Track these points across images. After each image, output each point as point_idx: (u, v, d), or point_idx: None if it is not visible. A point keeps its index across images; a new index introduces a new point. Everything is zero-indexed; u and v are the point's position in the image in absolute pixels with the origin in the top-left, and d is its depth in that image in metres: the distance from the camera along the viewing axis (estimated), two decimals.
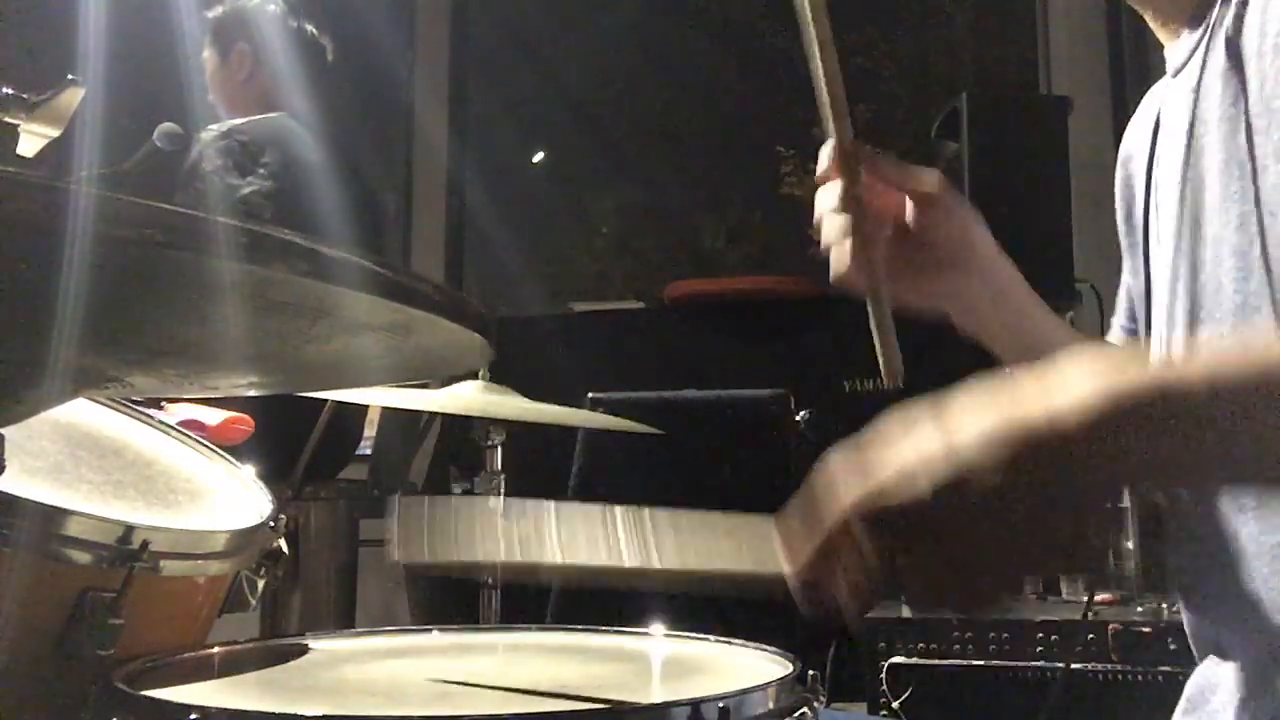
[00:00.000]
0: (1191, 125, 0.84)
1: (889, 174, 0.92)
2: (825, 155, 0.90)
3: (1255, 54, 0.76)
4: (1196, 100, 0.83)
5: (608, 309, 3.74)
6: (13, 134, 1.45)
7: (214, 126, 2.51)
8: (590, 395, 2.08)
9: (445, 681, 0.76)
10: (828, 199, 0.90)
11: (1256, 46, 0.76)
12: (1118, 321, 1.09)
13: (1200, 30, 0.84)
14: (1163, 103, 0.93)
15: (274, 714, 0.66)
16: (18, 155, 1.48)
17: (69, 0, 2.43)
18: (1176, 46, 0.89)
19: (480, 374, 1.59)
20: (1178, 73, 0.88)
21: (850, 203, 0.88)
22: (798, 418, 2.20)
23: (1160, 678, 1.66)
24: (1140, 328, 0.99)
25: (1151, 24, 0.92)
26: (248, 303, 0.58)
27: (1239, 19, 0.78)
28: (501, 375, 1.61)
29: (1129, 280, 1.03)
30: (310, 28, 2.73)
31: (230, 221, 0.51)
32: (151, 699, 0.69)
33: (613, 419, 1.74)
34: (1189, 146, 0.84)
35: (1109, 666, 1.70)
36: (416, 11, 3.92)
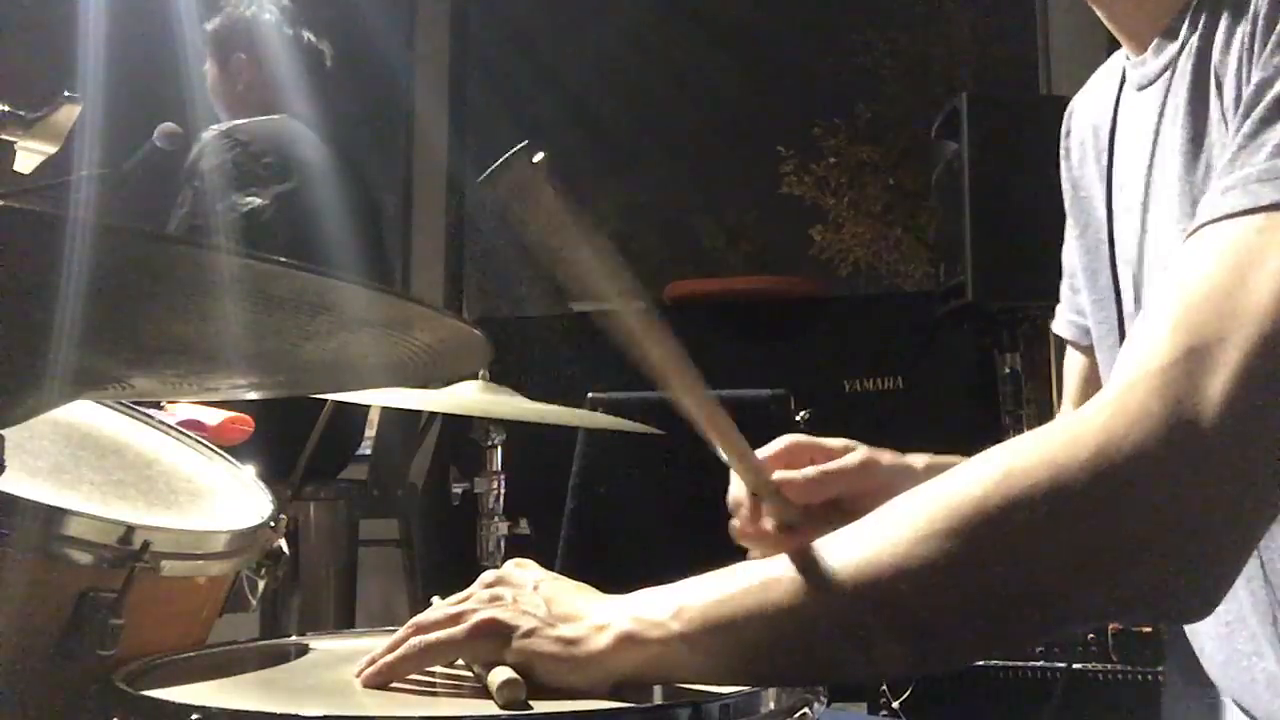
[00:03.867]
0: (1151, 158, 0.83)
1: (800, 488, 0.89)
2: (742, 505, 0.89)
3: (1214, 101, 0.75)
4: (1158, 130, 0.82)
5: (608, 309, 3.74)
6: (9, 151, 1.45)
7: (216, 126, 2.51)
8: (590, 395, 2.08)
9: (446, 680, 0.76)
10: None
11: (1221, 96, 0.75)
12: (1064, 314, 1.10)
13: (1168, 52, 0.83)
14: (1121, 111, 0.92)
15: (274, 714, 0.66)
16: (14, 172, 1.48)
17: (69, 3, 2.43)
18: (1143, 63, 0.87)
19: (480, 374, 1.60)
20: (1142, 89, 0.87)
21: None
22: (798, 418, 2.21)
23: (1160, 678, 1.66)
24: (1102, 346, 0.99)
25: (1117, 35, 0.91)
26: (247, 298, 0.58)
27: (1204, 59, 0.77)
28: (501, 375, 1.61)
29: (1077, 297, 1.03)
30: (308, 34, 2.74)
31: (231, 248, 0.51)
32: (151, 699, 0.69)
33: (613, 419, 1.74)
34: (1148, 179, 0.84)
35: (1109, 666, 1.70)
36: (416, 12, 3.92)
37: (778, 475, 0.88)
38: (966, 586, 0.61)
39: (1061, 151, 1.05)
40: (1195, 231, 0.63)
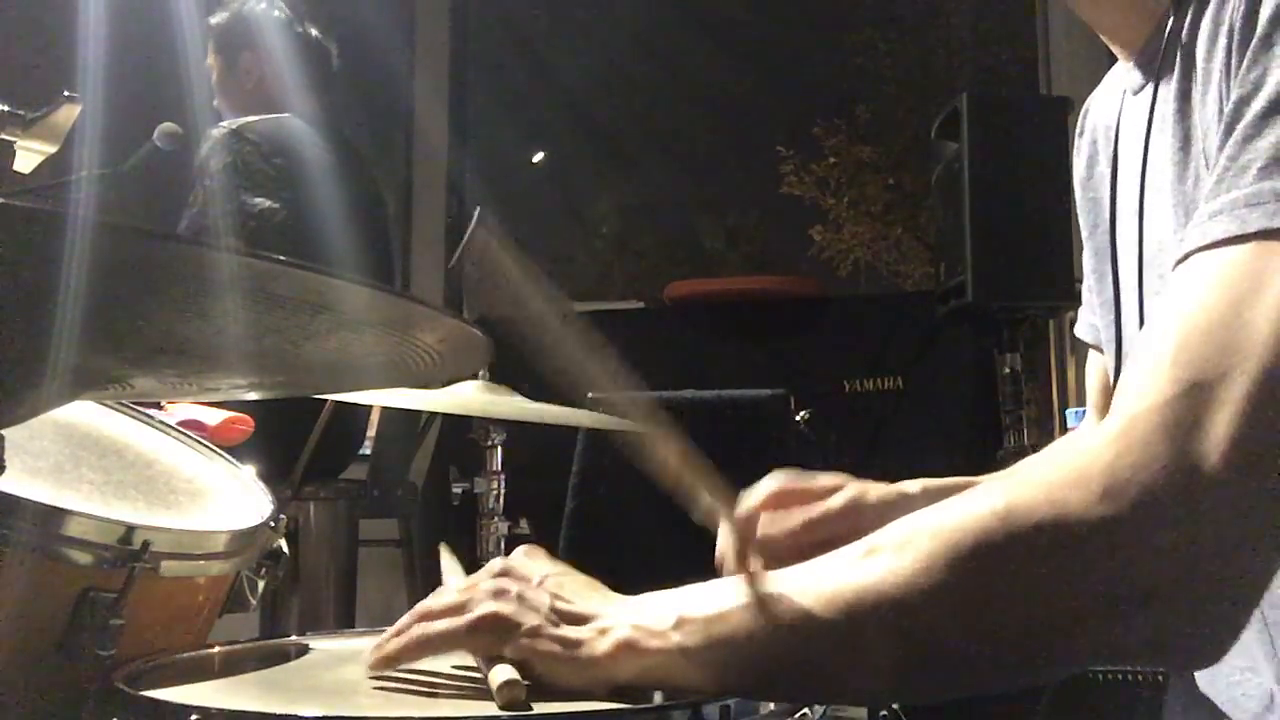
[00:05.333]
0: (1144, 165, 0.83)
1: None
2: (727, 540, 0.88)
3: (1199, 112, 0.75)
4: (1148, 138, 0.82)
5: (608, 309, 3.75)
6: (9, 151, 1.45)
7: (224, 124, 2.50)
8: (590, 395, 2.08)
9: (446, 680, 0.76)
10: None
11: (1205, 104, 0.74)
12: (1085, 317, 1.09)
13: (1153, 58, 0.83)
14: (1123, 115, 0.92)
15: (274, 714, 0.66)
16: (14, 172, 1.48)
17: (69, 3, 2.43)
18: (1132, 69, 0.88)
19: (480, 374, 1.60)
20: (1136, 94, 0.87)
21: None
22: (798, 418, 2.21)
23: (1160, 678, 1.66)
24: (1108, 350, 0.99)
25: (1107, 42, 0.91)
26: (248, 297, 0.58)
27: (1188, 65, 0.76)
28: (501, 375, 1.61)
29: (1093, 299, 1.03)
30: (315, 32, 2.73)
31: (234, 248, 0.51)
32: (151, 699, 0.69)
33: (613, 419, 1.73)
34: (1142, 187, 0.83)
35: (1109, 666, 1.70)
36: (416, 11, 3.92)
37: (764, 525, 0.87)
38: (963, 622, 0.60)
39: (1074, 151, 1.05)
40: (1187, 258, 0.62)
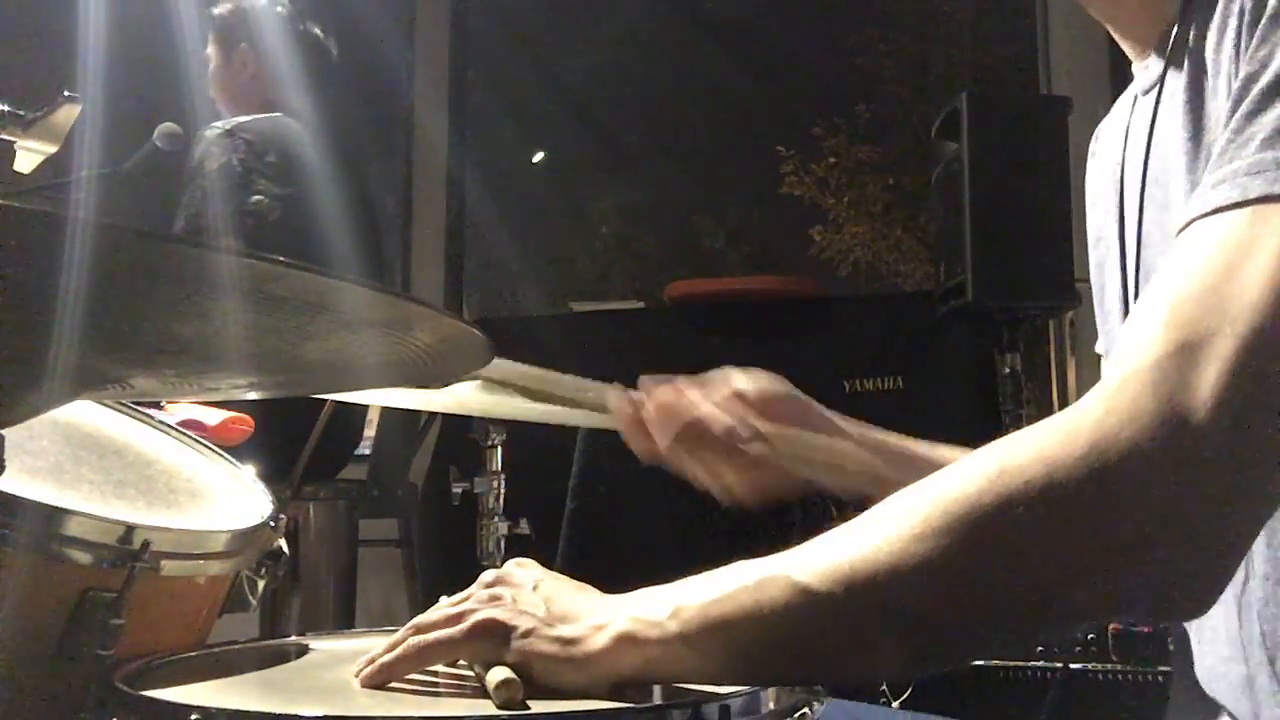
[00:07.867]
0: (1145, 161, 0.83)
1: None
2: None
3: (1211, 102, 0.76)
4: (1152, 131, 0.82)
5: (608, 309, 3.74)
6: (9, 151, 1.45)
7: (217, 124, 2.50)
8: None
9: (448, 681, 0.76)
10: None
11: (1212, 95, 0.75)
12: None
13: (1167, 54, 0.83)
14: (1132, 117, 0.92)
15: (274, 714, 0.66)
16: (14, 171, 1.48)
17: (69, 3, 2.43)
18: (1145, 67, 0.88)
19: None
20: (1146, 93, 0.88)
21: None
22: None
23: (1160, 678, 1.66)
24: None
25: (1120, 42, 0.91)
26: (247, 298, 0.58)
27: (1199, 57, 0.77)
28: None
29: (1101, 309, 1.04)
30: (316, 29, 2.73)
31: (233, 248, 0.51)
32: (151, 699, 0.69)
33: (613, 419, 1.73)
34: (1143, 182, 0.84)
35: (1109, 666, 1.70)
36: (416, 11, 3.92)
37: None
38: (961, 585, 0.61)
39: (1087, 171, 1.05)
40: (1187, 226, 0.64)
